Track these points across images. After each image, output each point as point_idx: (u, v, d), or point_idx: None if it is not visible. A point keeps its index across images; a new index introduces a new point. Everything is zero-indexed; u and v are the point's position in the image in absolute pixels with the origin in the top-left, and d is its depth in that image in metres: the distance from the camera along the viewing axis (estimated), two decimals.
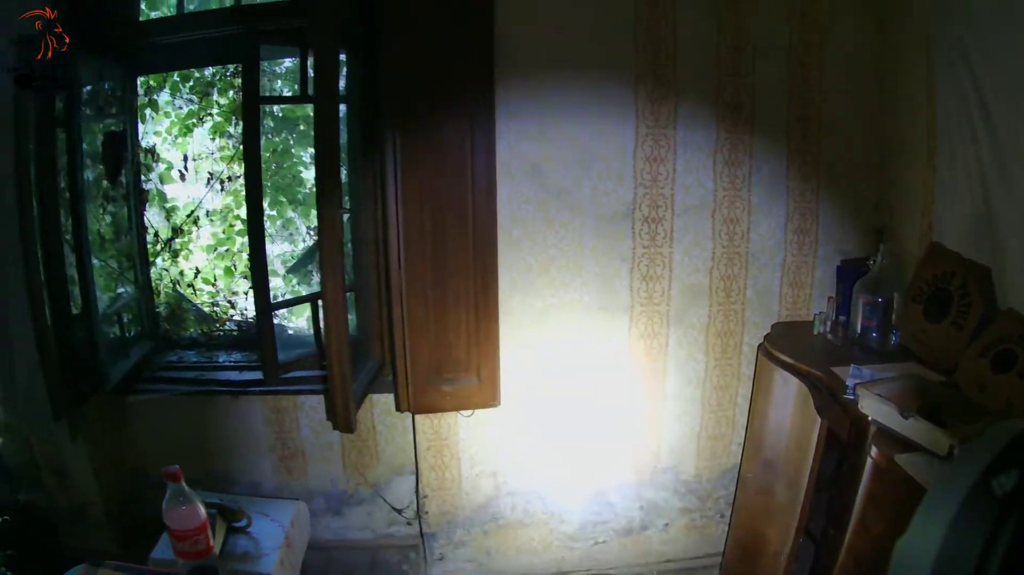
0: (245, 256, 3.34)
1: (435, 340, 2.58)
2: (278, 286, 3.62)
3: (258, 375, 3.00)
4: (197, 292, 3.41)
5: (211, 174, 3.29)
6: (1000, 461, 0.93)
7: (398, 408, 2.71)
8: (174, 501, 1.95)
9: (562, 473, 2.97)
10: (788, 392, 2.56)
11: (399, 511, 3.16)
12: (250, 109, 2.71)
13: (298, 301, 3.04)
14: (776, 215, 2.81)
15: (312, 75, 2.45)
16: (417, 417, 2.85)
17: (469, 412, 2.77)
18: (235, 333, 3.36)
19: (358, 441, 3.04)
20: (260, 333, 2.82)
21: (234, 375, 3.08)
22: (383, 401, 2.98)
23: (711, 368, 2.89)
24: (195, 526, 1.95)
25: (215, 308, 3.42)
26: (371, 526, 3.11)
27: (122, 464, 3.22)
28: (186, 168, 3.30)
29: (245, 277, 3.39)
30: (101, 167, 2.98)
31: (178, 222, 3.34)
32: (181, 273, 3.40)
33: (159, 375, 3.12)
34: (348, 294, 2.73)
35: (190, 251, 3.41)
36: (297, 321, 3.43)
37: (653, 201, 2.73)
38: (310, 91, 2.84)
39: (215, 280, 3.41)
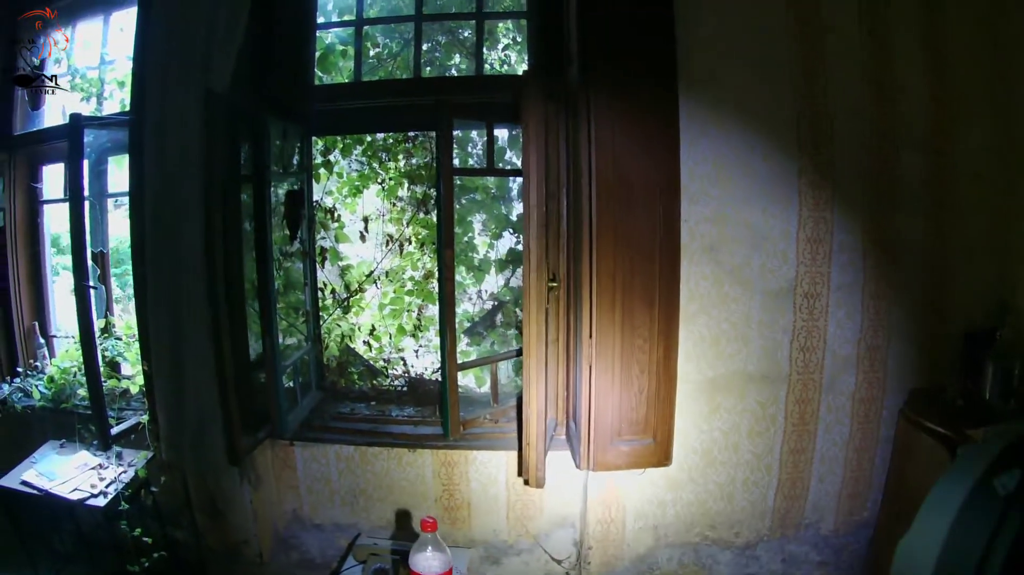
0: (414, 315, 3.61)
1: (618, 403, 2.82)
2: None
3: (435, 430, 3.29)
4: (371, 347, 3.66)
5: (390, 237, 3.55)
6: (1002, 461, 0.98)
7: (577, 466, 2.93)
8: (425, 548, 2.24)
9: (716, 527, 3.22)
10: (926, 451, 2.87)
11: (559, 562, 3.42)
12: (445, 180, 2.97)
13: (484, 362, 3.30)
14: (915, 290, 3.09)
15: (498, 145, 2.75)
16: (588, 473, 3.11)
17: (641, 470, 3.03)
18: (404, 388, 3.61)
19: (524, 494, 3.31)
20: (445, 392, 3.08)
21: (409, 429, 3.34)
22: (552, 458, 3.21)
23: (854, 431, 3.16)
24: (443, 572, 2.24)
25: (384, 363, 3.67)
26: None
27: (280, 507, 3.49)
28: (366, 230, 3.56)
29: (413, 336, 3.65)
30: (283, 223, 3.26)
31: (352, 280, 3.60)
32: (355, 328, 3.65)
33: (331, 425, 3.39)
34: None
35: (361, 308, 3.67)
36: (462, 379, 3.70)
37: (812, 278, 3.03)
38: (495, 164, 3.16)
39: (389, 337, 3.66)
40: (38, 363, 3.91)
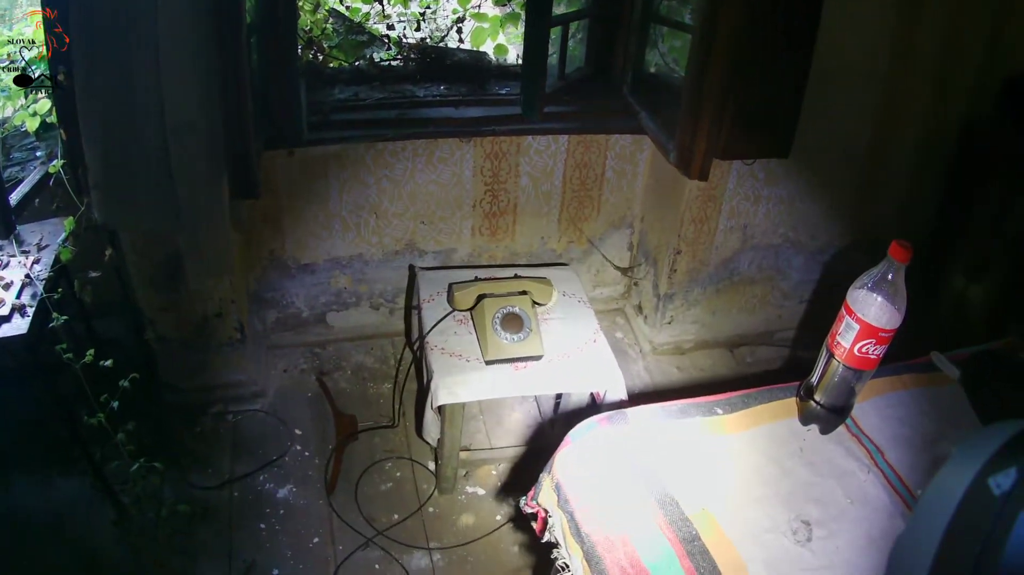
0: None
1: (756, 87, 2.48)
2: None
3: (494, 111, 2.69)
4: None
5: None
6: (998, 460, 0.99)
7: (715, 156, 2.43)
8: (885, 287, 1.56)
9: (798, 229, 3.04)
10: None
11: (625, 271, 3.13)
12: None
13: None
14: None
15: None
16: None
17: (751, 160, 2.78)
18: (413, 61, 2.83)
19: (582, 190, 2.93)
20: (535, 53, 2.47)
21: (451, 111, 2.64)
22: (620, 144, 2.86)
23: None
24: (888, 328, 1.55)
25: (388, 30, 2.81)
26: None
27: (251, 251, 2.75)
28: None
29: None
30: None
31: None
32: None
33: (334, 118, 2.55)
34: None
35: None
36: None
37: None
38: None
39: None
40: None
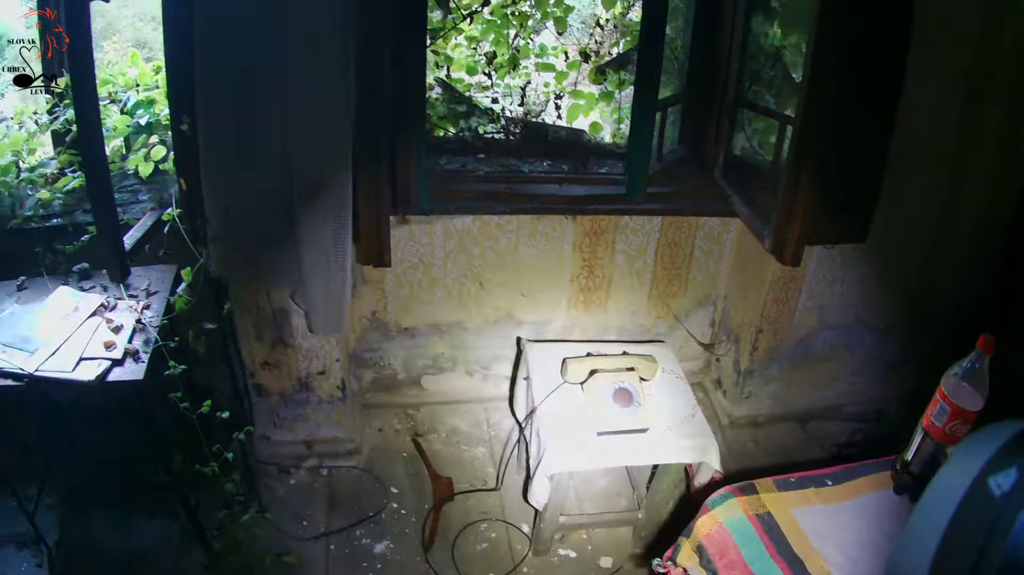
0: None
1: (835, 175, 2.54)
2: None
3: (595, 190, 2.85)
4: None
5: None
6: (998, 460, 1.02)
7: (802, 239, 2.56)
8: (973, 375, 1.76)
9: (868, 310, 3.15)
10: None
11: (708, 347, 3.24)
12: None
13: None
14: None
15: None
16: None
17: (831, 244, 2.84)
18: (515, 135, 3.01)
19: (672, 268, 3.06)
20: (643, 135, 2.63)
21: (554, 188, 2.81)
22: (709, 225, 3.00)
23: None
24: (973, 410, 1.76)
25: (491, 102, 3.01)
26: None
27: (354, 313, 2.89)
28: None
29: (514, 66, 3.00)
30: None
31: None
32: (446, 58, 2.92)
33: (445, 188, 2.72)
34: None
35: (460, 30, 2.91)
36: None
37: None
38: None
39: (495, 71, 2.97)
40: None
